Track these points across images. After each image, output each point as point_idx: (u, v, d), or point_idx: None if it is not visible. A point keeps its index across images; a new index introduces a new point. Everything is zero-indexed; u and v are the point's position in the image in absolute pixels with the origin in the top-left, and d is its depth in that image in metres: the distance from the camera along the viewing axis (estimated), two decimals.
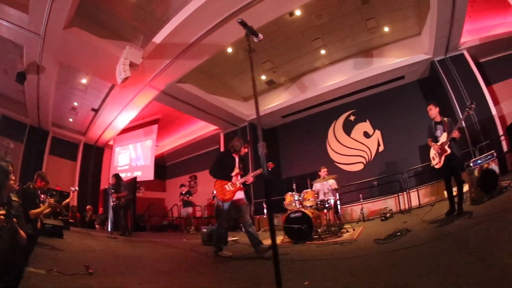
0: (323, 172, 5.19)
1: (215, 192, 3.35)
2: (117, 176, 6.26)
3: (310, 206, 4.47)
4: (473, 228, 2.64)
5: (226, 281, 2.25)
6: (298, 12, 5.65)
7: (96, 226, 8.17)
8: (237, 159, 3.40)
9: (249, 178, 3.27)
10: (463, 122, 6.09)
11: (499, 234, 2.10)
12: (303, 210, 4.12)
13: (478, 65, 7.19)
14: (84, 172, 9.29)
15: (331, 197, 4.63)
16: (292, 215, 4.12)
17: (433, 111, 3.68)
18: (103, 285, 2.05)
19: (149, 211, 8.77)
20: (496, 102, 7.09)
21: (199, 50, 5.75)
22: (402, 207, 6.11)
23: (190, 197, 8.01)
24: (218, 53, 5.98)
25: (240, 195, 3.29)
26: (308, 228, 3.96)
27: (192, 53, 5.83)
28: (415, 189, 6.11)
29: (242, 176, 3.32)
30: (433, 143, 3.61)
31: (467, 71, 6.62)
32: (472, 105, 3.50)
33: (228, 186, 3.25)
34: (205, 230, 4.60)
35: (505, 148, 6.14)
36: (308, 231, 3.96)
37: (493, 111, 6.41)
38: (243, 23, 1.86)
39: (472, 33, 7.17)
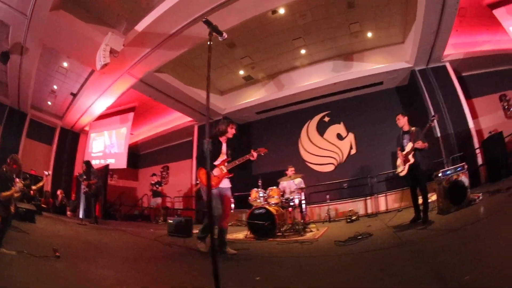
0: (290, 171, 5.28)
1: (199, 180, 3.21)
2: (87, 163, 6.29)
3: (275, 204, 4.56)
4: (433, 239, 2.69)
5: (182, 273, 2.35)
6: (282, 10, 5.72)
7: (68, 212, 8.16)
8: (224, 145, 3.20)
9: (238, 161, 3.07)
10: (437, 131, 6.43)
11: (460, 248, 2.12)
12: (267, 207, 4.21)
13: (460, 78, 7.42)
14: (59, 157, 9.24)
15: (297, 196, 4.71)
16: (256, 211, 4.24)
17: (401, 121, 3.84)
18: (67, 268, 2.19)
19: (120, 199, 8.78)
20: (475, 116, 7.34)
21: (179, 41, 5.79)
22: (370, 211, 6.28)
23: (160, 188, 8.06)
24: (198, 45, 6.04)
25: (225, 183, 3.09)
26: (271, 225, 4.07)
27: (172, 43, 5.87)
28: (384, 194, 6.29)
29: (229, 162, 3.10)
30: (399, 152, 3.79)
31: (448, 83, 6.82)
32: (434, 117, 3.66)
33: (213, 173, 3.06)
34: (171, 221, 4.66)
35: (480, 161, 6.39)
36: (271, 228, 4.06)
37: (471, 124, 6.63)
38: (207, 22, 1.91)
39: (458, 47, 7.39)
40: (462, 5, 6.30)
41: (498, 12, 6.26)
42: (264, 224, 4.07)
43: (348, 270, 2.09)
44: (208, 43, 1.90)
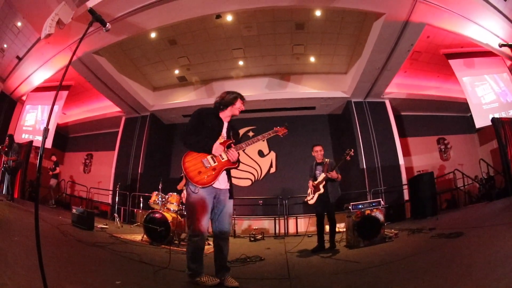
0: None
1: (184, 172, 2.19)
2: (10, 137, 6.39)
3: (175, 211, 4.64)
4: (325, 276, 2.65)
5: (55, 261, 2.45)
6: (229, 18, 6.32)
7: None
8: (225, 124, 2.38)
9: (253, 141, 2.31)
10: (363, 162, 7.02)
11: None
12: (163, 212, 4.33)
13: (398, 116, 8.22)
14: None
15: None
16: (152, 215, 4.35)
17: (320, 153, 4.20)
18: None
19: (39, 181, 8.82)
20: (407, 154, 8.09)
21: (122, 27, 6.23)
22: (281, 231, 6.68)
23: (58, 169, 8.44)
24: (141, 35, 6.51)
25: (223, 181, 2.23)
26: (164, 231, 4.15)
27: (115, 27, 6.27)
28: (294, 217, 6.75)
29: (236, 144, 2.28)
30: (310, 181, 4.18)
31: (383, 119, 7.55)
32: (350, 152, 4.02)
33: (208, 161, 2.16)
34: (75, 211, 4.83)
35: (406, 197, 7.02)
36: (165, 235, 4.14)
37: (401, 161, 7.33)
38: (91, 11, 1.97)
39: (402, 87, 8.23)
40: (418, 49, 7.09)
41: (454, 63, 7.03)
42: (157, 229, 4.19)
43: None
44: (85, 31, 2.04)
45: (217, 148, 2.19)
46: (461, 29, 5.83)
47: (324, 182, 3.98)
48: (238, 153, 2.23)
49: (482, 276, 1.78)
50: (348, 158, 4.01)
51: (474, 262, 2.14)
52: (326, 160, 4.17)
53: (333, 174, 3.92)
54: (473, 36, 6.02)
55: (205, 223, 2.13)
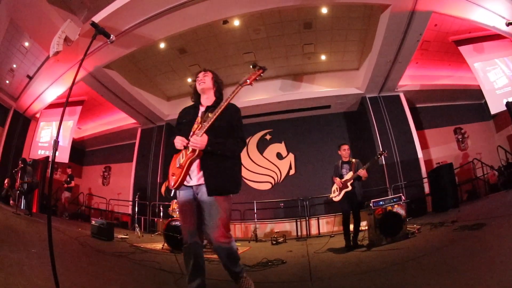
0: None
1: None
2: (23, 161, 6.52)
3: None
4: (347, 277, 2.58)
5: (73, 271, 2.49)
6: (236, 22, 6.22)
7: (11, 202, 8.24)
8: (202, 108, 1.96)
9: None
10: (382, 158, 6.90)
11: None
12: None
13: (413, 109, 8.02)
14: (9, 141, 9.32)
15: None
16: (172, 223, 4.42)
17: (347, 152, 4.15)
18: None
19: (57, 195, 8.93)
20: (425, 147, 7.91)
21: (130, 39, 6.20)
22: (304, 233, 6.62)
23: (73, 182, 8.55)
24: (150, 46, 6.45)
25: (195, 174, 1.79)
26: None
27: (123, 40, 6.27)
28: (316, 218, 6.67)
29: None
30: (336, 178, 4.09)
31: (399, 113, 7.38)
32: (383, 153, 3.96)
33: (179, 159, 1.83)
34: (94, 223, 4.90)
35: (427, 190, 6.87)
36: None
37: (419, 154, 7.17)
38: (94, 25, 1.92)
39: (415, 79, 8.02)
40: (426, 38, 6.93)
41: (464, 49, 6.85)
42: (177, 237, 4.23)
43: None
44: (89, 44, 1.97)
45: (177, 141, 1.83)
46: (467, 13, 5.66)
47: (352, 180, 3.91)
48: (206, 134, 1.74)
49: (507, 267, 1.74)
50: (380, 158, 3.95)
51: (498, 253, 2.09)
52: (353, 160, 4.10)
53: (363, 172, 3.82)
54: (479, 19, 5.82)
55: (189, 229, 1.82)
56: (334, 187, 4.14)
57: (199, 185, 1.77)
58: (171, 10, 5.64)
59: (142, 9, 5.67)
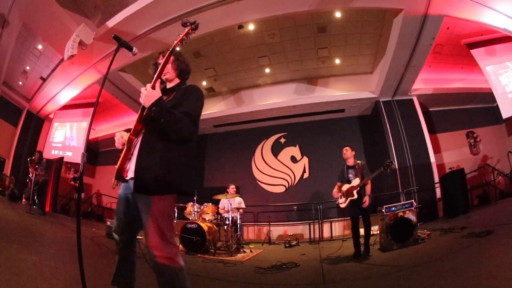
0: (231, 189, 5.60)
1: None
2: (40, 153, 6.58)
3: (210, 220, 4.83)
4: (358, 282, 2.64)
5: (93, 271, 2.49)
6: (251, 27, 6.18)
7: (23, 200, 8.33)
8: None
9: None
10: (395, 163, 6.85)
11: None
12: (199, 222, 4.49)
13: (426, 113, 7.94)
14: (21, 141, 9.43)
15: (233, 215, 5.00)
16: (188, 226, 4.52)
17: (349, 153, 4.08)
18: (2, 249, 2.40)
19: (71, 194, 9.04)
20: (437, 151, 7.84)
21: (145, 44, 6.19)
22: (316, 236, 6.63)
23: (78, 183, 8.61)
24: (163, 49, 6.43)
25: (133, 164, 1.45)
26: (200, 241, 4.33)
27: (138, 44, 6.23)
28: (329, 221, 6.66)
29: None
30: (339, 183, 4.07)
31: (412, 117, 7.31)
32: (391, 164, 3.80)
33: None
34: (109, 223, 4.96)
35: (439, 195, 6.82)
36: (201, 244, 4.32)
37: (432, 158, 7.10)
38: (116, 38, 1.81)
39: (428, 82, 7.92)
40: (439, 41, 6.86)
41: (476, 52, 6.75)
42: (193, 239, 4.36)
43: None
44: (112, 58, 1.86)
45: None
46: (478, 16, 5.58)
47: (358, 189, 3.82)
48: (152, 86, 1.43)
49: (510, 276, 1.76)
50: (387, 170, 3.78)
51: (501, 262, 2.09)
52: (358, 162, 4.01)
53: (368, 189, 3.79)
54: (491, 22, 5.72)
55: (118, 228, 1.51)
56: (338, 193, 4.09)
57: (131, 179, 1.41)
58: (187, 15, 5.62)
59: (157, 14, 5.66)
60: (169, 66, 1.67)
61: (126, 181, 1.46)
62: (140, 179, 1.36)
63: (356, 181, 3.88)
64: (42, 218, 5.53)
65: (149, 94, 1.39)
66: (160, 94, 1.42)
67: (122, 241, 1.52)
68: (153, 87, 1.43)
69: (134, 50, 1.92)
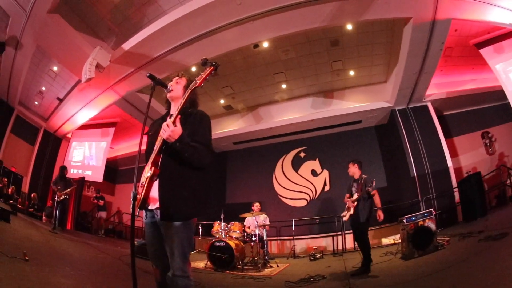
0: (255, 207, 5.68)
1: None
2: (62, 169, 6.61)
3: (237, 238, 4.93)
4: None
5: None
6: (265, 44, 6.17)
7: (43, 218, 8.46)
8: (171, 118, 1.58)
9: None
10: (414, 170, 6.79)
11: None
12: (227, 240, 4.59)
13: (441, 117, 7.88)
14: (39, 159, 9.54)
15: (259, 232, 5.06)
16: (216, 243, 4.62)
17: (351, 169, 4.17)
18: (33, 272, 2.43)
19: (92, 213, 9.17)
20: (455, 155, 7.78)
21: (161, 66, 6.23)
22: (339, 247, 6.65)
23: (102, 202, 8.78)
24: (182, 70, 6.46)
25: (155, 195, 1.52)
26: (229, 258, 4.43)
27: (155, 66, 6.30)
28: (351, 233, 6.65)
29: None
30: (348, 195, 4.13)
31: (428, 123, 7.25)
32: (372, 183, 3.69)
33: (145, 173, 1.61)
34: (137, 242, 5.05)
35: (457, 200, 6.78)
36: (229, 261, 4.42)
37: (449, 163, 7.05)
38: (151, 77, 1.73)
39: (440, 87, 7.86)
40: (448, 45, 6.80)
41: (485, 51, 6.69)
42: (222, 257, 4.45)
43: None
44: (150, 96, 1.83)
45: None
46: (484, 15, 5.54)
47: (355, 203, 3.81)
48: (175, 124, 1.48)
49: None
50: (369, 190, 3.66)
51: (511, 264, 2.19)
52: (362, 176, 3.99)
53: (376, 202, 3.80)
54: (496, 19, 5.65)
55: (152, 257, 1.63)
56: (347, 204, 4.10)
57: (156, 209, 1.51)
58: (203, 36, 5.64)
59: (173, 36, 5.68)
60: (179, 86, 1.78)
61: (150, 210, 1.54)
62: (166, 207, 1.46)
63: (355, 196, 3.91)
64: (66, 237, 5.56)
65: (173, 132, 1.45)
66: (181, 131, 1.48)
67: (161, 266, 1.59)
68: (175, 123, 1.48)
69: (169, 87, 1.84)
